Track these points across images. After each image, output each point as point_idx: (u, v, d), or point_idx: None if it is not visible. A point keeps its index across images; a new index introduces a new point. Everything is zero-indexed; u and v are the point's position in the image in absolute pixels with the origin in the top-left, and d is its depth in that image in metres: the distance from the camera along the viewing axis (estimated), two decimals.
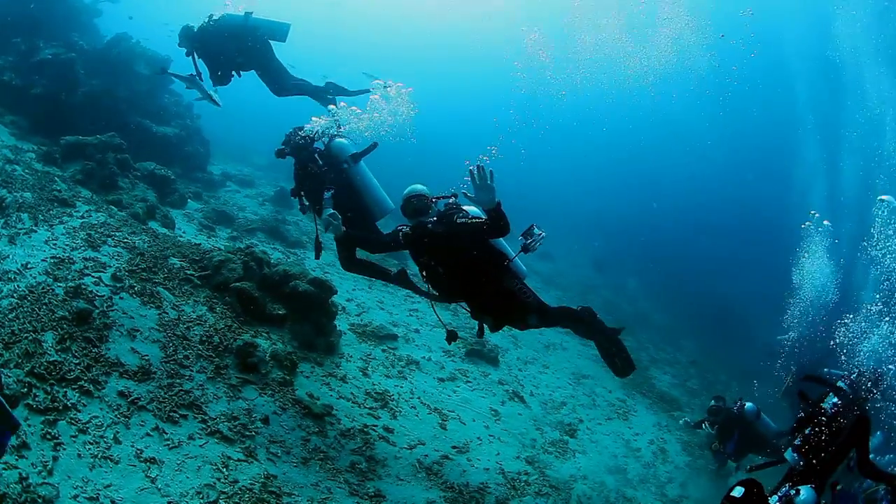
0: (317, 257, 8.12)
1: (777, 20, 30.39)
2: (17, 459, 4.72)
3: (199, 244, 10.69)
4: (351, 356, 9.36)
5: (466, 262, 5.83)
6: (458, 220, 5.74)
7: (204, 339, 7.49)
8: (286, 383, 7.55)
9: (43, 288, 7.60)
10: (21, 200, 9.55)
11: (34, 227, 9.03)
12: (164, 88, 18.46)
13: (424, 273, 6.20)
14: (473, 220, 5.70)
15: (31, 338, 6.65)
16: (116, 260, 8.84)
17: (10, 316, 6.95)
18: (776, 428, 9.52)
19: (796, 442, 5.44)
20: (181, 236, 11.40)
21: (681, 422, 11.57)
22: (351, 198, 7.34)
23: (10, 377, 5.56)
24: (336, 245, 7.50)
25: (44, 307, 7.24)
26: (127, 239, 9.78)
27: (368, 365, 9.36)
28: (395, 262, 12.32)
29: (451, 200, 6.07)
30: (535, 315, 6.01)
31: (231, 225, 14.26)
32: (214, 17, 9.69)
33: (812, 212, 13.33)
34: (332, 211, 6.48)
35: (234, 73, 10.02)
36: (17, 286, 7.52)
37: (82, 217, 10.11)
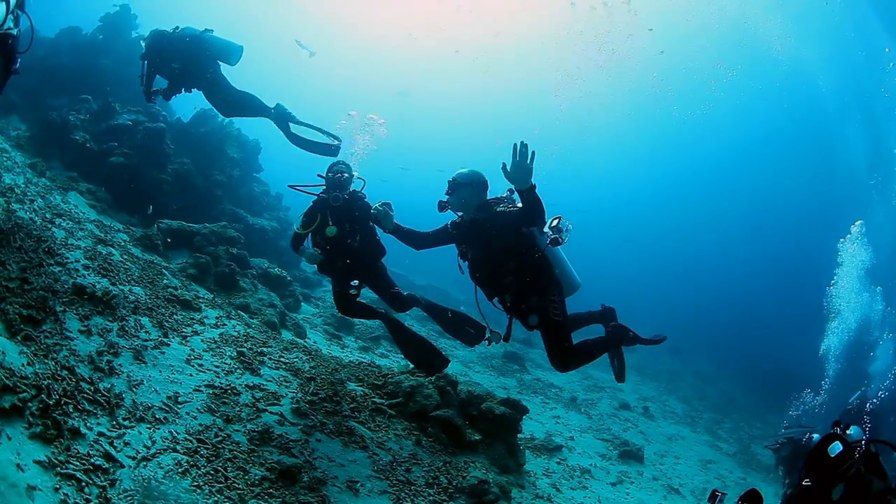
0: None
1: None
2: None
3: (363, 362, 9.72)
4: (535, 473, 9.41)
5: (502, 252, 5.95)
6: (499, 209, 6.04)
7: (430, 481, 6.52)
8: None
9: (216, 434, 5.34)
10: (133, 298, 7.24)
11: (164, 339, 6.76)
12: (251, 176, 16.56)
13: (468, 265, 6.34)
14: (512, 209, 5.94)
15: None
16: (286, 387, 6.96)
17: (184, 484, 4.52)
18: None
19: None
20: (312, 344, 10.52)
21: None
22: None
23: None
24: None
25: (230, 465, 5.00)
26: (284, 358, 7.90)
27: (553, 480, 9.61)
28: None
29: (503, 195, 6.27)
30: (557, 339, 6.17)
31: (352, 332, 13.50)
32: (178, 28, 9.42)
33: None
34: (386, 201, 6.57)
35: (182, 88, 9.59)
36: (175, 432, 5.11)
37: (216, 326, 8.05)
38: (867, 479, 4.54)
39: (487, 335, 6.85)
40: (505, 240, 5.93)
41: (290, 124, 9.36)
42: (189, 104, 14.12)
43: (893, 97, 27.35)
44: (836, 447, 4.54)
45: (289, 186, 7.71)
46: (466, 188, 6.07)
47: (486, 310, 6.64)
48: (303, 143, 9.36)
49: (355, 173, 7.27)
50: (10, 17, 5.58)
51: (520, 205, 5.82)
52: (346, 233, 6.96)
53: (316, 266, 7.34)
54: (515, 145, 5.22)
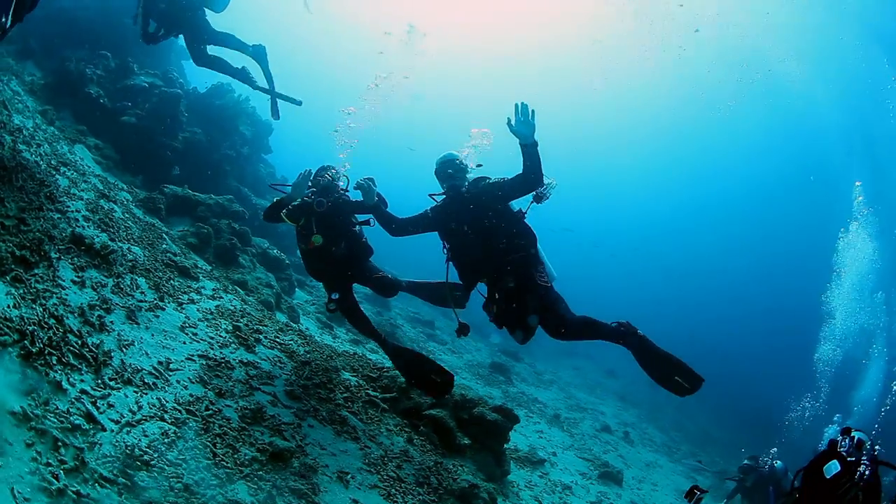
0: None
1: None
2: None
3: (356, 354, 9.31)
4: (518, 484, 9.28)
5: (491, 226, 5.89)
6: (491, 181, 5.98)
7: (421, 480, 6.18)
8: None
9: (207, 407, 4.81)
10: (131, 257, 6.71)
11: (159, 302, 6.22)
12: (259, 157, 16.06)
13: (451, 247, 6.16)
14: (505, 179, 5.87)
15: (220, 497, 3.94)
16: (280, 368, 6.45)
17: (169, 456, 4.01)
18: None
19: None
20: (305, 330, 9.98)
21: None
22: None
23: None
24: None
25: (219, 441, 4.48)
26: (280, 339, 7.34)
27: (535, 493, 9.51)
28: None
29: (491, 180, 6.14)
30: (550, 308, 5.85)
31: (343, 323, 13.01)
32: None
33: None
34: (369, 176, 6.42)
35: (163, 32, 9.37)
36: (164, 399, 4.58)
37: (213, 297, 7.48)
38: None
39: (458, 321, 6.51)
40: (496, 210, 5.94)
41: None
42: (206, 76, 13.66)
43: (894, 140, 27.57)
44: (833, 467, 4.10)
45: (270, 186, 7.54)
46: (468, 168, 6.18)
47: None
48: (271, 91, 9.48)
49: (343, 174, 6.86)
50: None
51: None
52: (330, 240, 6.57)
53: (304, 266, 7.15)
54: (517, 105, 5.37)
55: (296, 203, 6.53)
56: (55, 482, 3.16)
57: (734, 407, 26.94)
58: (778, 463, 10.65)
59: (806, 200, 42.69)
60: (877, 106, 29.49)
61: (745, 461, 10.94)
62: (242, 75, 9.44)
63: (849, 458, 4.03)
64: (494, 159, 6.18)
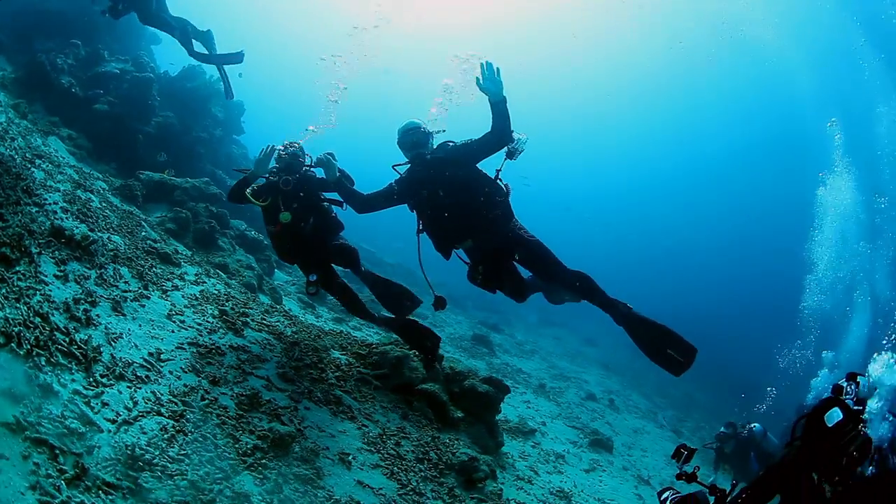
0: None
1: None
2: None
3: (342, 332, 9.13)
4: (512, 455, 9.09)
5: (466, 185, 5.76)
6: (458, 144, 5.88)
7: (420, 456, 6.00)
8: (499, 494, 6.58)
9: (203, 397, 4.61)
10: (112, 246, 6.46)
11: (144, 291, 5.98)
12: (231, 138, 15.62)
13: (425, 216, 6.00)
14: (472, 140, 5.77)
15: (227, 491, 3.77)
16: (270, 351, 6.26)
17: (170, 452, 3.81)
18: (778, 444, 10.04)
19: None
20: (288, 311, 9.66)
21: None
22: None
23: None
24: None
25: (219, 431, 4.30)
26: (267, 321, 7.16)
27: (530, 463, 9.32)
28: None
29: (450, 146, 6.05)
30: (543, 257, 5.73)
31: (324, 302, 12.62)
32: None
33: None
34: (330, 151, 6.26)
35: (122, 6, 9.23)
36: (158, 392, 4.37)
37: (196, 283, 7.27)
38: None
39: (434, 295, 6.33)
40: (466, 171, 5.83)
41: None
42: (176, 60, 13.18)
43: (868, 100, 27.84)
44: (835, 415, 3.57)
45: (234, 170, 7.23)
46: (432, 133, 6.05)
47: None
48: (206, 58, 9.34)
49: (308, 155, 6.64)
50: None
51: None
52: (298, 217, 6.42)
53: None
54: (482, 63, 5.34)
55: (261, 183, 6.38)
56: (58, 495, 2.96)
57: (716, 369, 26.09)
58: (756, 426, 10.27)
59: (784, 159, 42.78)
60: (850, 67, 29.65)
61: (722, 429, 10.58)
62: (205, 55, 9.21)
63: (855, 407, 3.55)
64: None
